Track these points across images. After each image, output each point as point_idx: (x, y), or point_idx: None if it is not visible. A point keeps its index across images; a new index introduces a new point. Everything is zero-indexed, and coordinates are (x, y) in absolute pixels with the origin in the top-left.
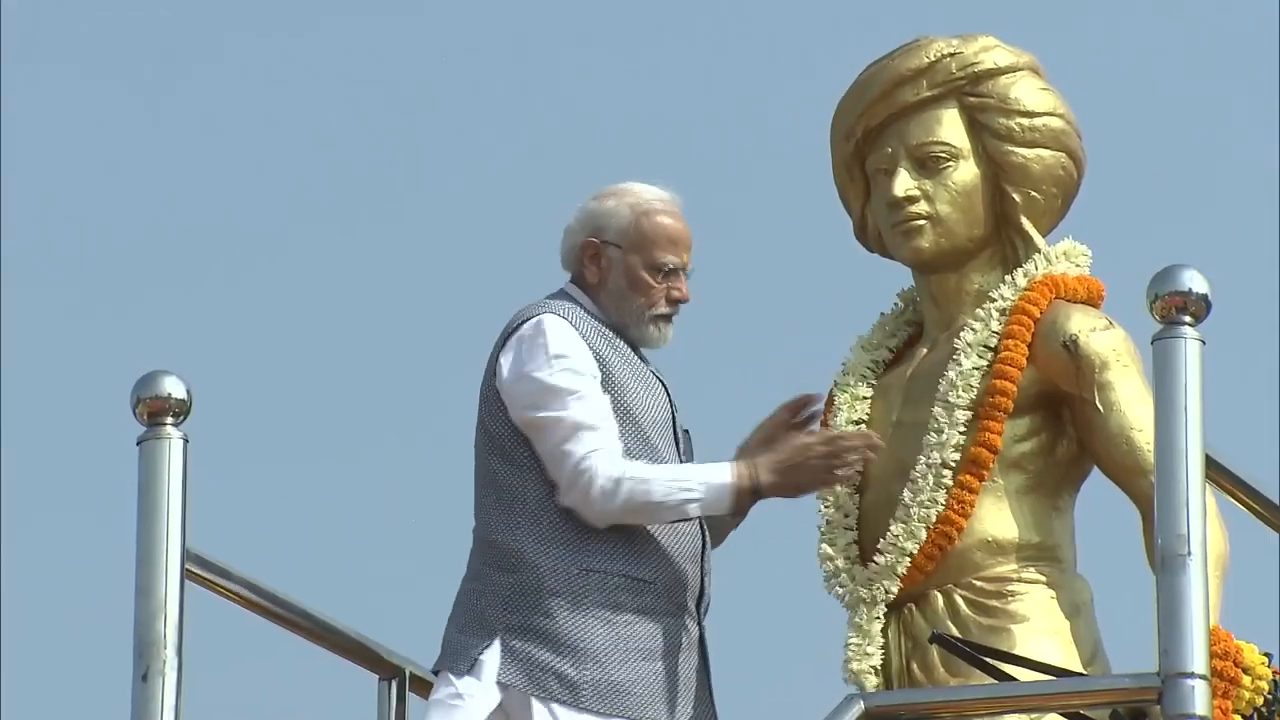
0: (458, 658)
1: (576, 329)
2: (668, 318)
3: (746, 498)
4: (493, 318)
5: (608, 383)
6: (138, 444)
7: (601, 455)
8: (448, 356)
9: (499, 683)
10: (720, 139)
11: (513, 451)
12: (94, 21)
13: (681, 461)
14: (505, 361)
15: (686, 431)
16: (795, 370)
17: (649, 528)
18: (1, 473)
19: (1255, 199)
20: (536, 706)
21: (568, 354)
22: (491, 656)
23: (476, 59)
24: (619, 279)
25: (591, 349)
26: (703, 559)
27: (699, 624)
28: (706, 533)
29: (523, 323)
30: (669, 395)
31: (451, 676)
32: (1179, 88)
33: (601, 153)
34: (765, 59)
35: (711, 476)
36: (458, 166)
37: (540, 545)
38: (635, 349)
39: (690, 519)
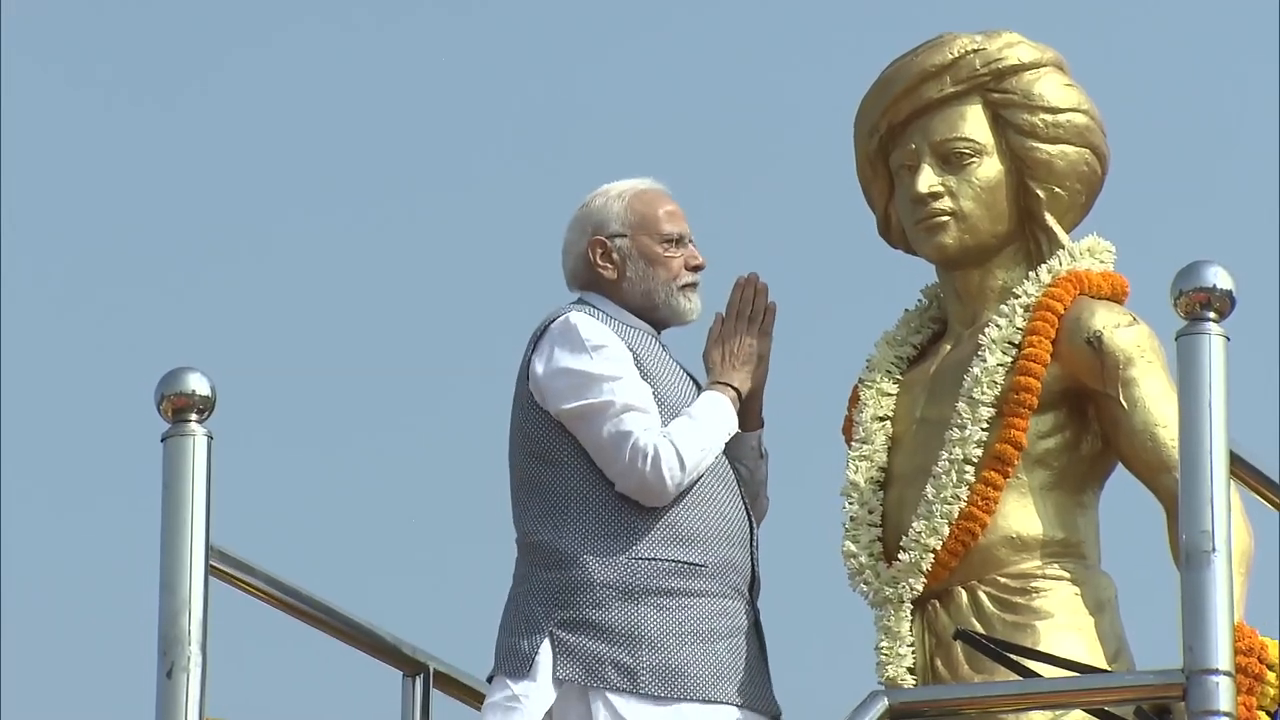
0: (511, 660)
1: (606, 323)
2: (693, 286)
3: (739, 404)
4: (510, 309)
5: (642, 374)
6: (162, 440)
7: (654, 434)
8: (471, 354)
9: (555, 679)
10: (743, 135)
11: (552, 451)
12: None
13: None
14: (539, 360)
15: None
16: (819, 366)
17: (695, 513)
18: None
19: None
20: (594, 699)
21: (604, 343)
22: (545, 655)
23: (481, 61)
24: (637, 262)
25: (624, 341)
26: (751, 542)
27: (753, 606)
28: (753, 517)
29: (552, 322)
30: (698, 387)
31: (507, 680)
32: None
33: (614, 152)
34: (785, 54)
35: (716, 405)
36: (470, 164)
37: (588, 540)
38: (661, 344)
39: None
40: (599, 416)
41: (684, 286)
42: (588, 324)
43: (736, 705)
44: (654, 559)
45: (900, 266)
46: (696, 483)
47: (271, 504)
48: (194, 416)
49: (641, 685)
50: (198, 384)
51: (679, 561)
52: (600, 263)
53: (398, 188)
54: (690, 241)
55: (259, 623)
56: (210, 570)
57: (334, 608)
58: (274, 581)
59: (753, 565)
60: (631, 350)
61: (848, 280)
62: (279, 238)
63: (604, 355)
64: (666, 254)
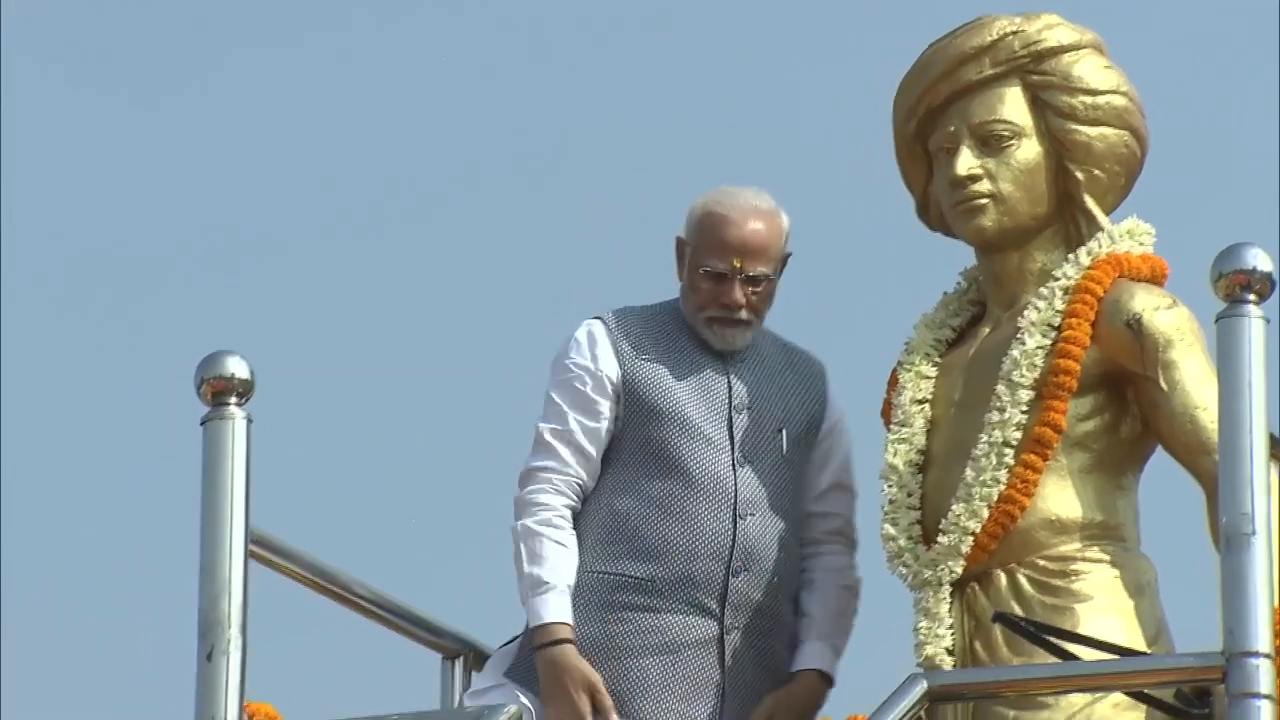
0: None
1: (618, 334)
2: (722, 321)
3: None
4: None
5: (637, 386)
6: (201, 424)
7: (539, 476)
8: (470, 354)
9: (504, 674)
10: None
11: None
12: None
13: (739, 454)
14: None
15: (780, 430)
16: (859, 349)
17: (658, 528)
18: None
19: None
20: (527, 698)
21: (572, 369)
22: (512, 649)
23: (481, 61)
24: (684, 277)
25: (630, 353)
26: (731, 559)
27: (720, 622)
28: (749, 536)
29: None
30: (734, 390)
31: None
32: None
33: (613, 152)
34: (788, 54)
35: (540, 607)
36: (469, 164)
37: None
38: (709, 353)
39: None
40: (534, 435)
41: (709, 320)
42: (577, 341)
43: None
44: (603, 572)
45: (939, 249)
46: (668, 495)
47: (310, 488)
48: (233, 400)
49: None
50: (237, 367)
51: (624, 576)
52: (677, 260)
53: (398, 187)
54: (739, 278)
55: (298, 606)
56: (249, 554)
57: (373, 591)
58: (313, 565)
59: (728, 582)
60: (638, 360)
61: (885, 263)
62: (279, 237)
63: (563, 381)
64: (699, 284)
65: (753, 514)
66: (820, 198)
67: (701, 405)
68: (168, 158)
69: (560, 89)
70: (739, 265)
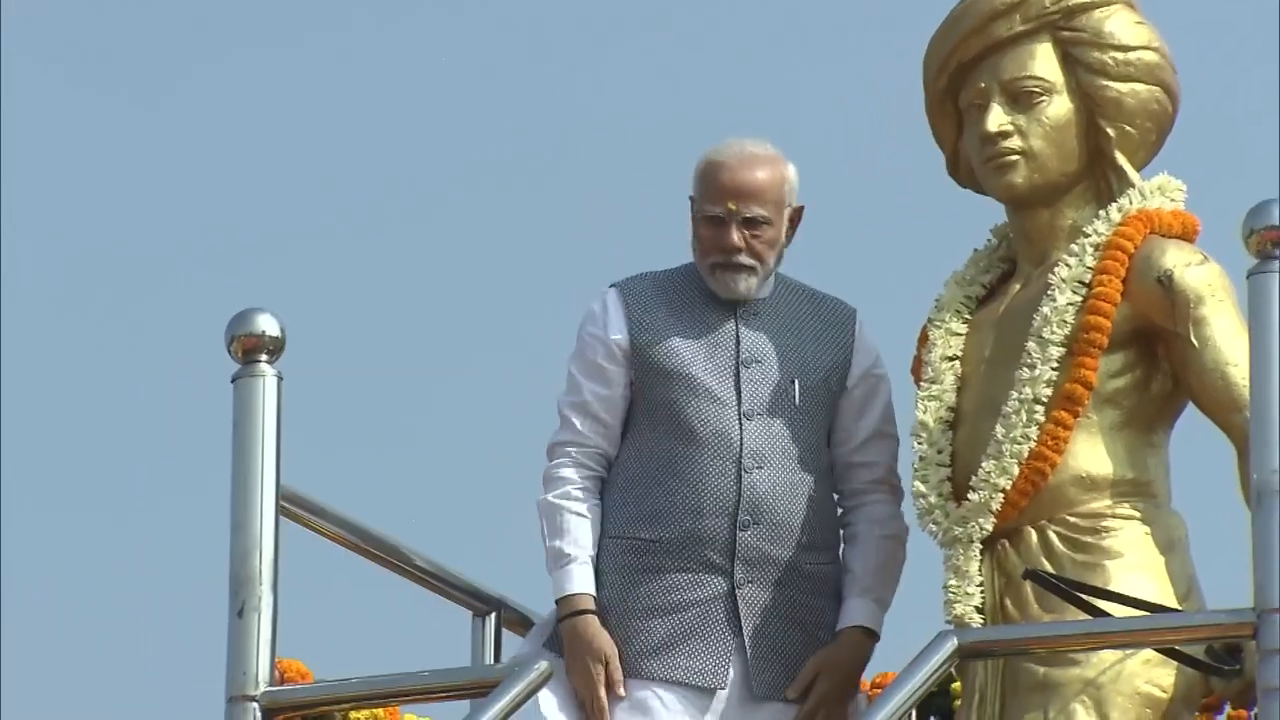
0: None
1: (631, 300)
2: (724, 266)
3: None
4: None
5: (645, 349)
6: (232, 381)
7: (560, 450)
8: (472, 354)
9: (542, 645)
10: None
11: None
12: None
13: (747, 407)
14: None
15: (793, 381)
16: (889, 307)
17: (661, 488)
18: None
19: None
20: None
21: (585, 340)
22: (551, 619)
23: (481, 61)
24: (692, 231)
25: (640, 317)
26: (738, 513)
27: (730, 578)
28: (756, 489)
29: None
30: (742, 344)
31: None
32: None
33: (614, 152)
34: (788, 54)
35: (562, 579)
36: (470, 164)
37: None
38: (727, 300)
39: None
40: (558, 408)
41: (713, 266)
42: (589, 315)
43: (670, 680)
44: (618, 537)
45: (969, 206)
46: (674, 455)
47: (341, 444)
48: (264, 357)
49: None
50: (267, 324)
51: (635, 539)
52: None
53: (398, 186)
54: (736, 220)
55: (329, 563)
56: (280, 510)
57: (404, 548)
58: (344, 522)
59: (735, 536)
60: (646, 325)
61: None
62: (279, 237)
63: (578, 353)
64: (701, 232)
65: (760, 467)
66: (822, 196)
67: (708, 362)
68: (167, 157)
69: (560, 89)
70: (734, 208)
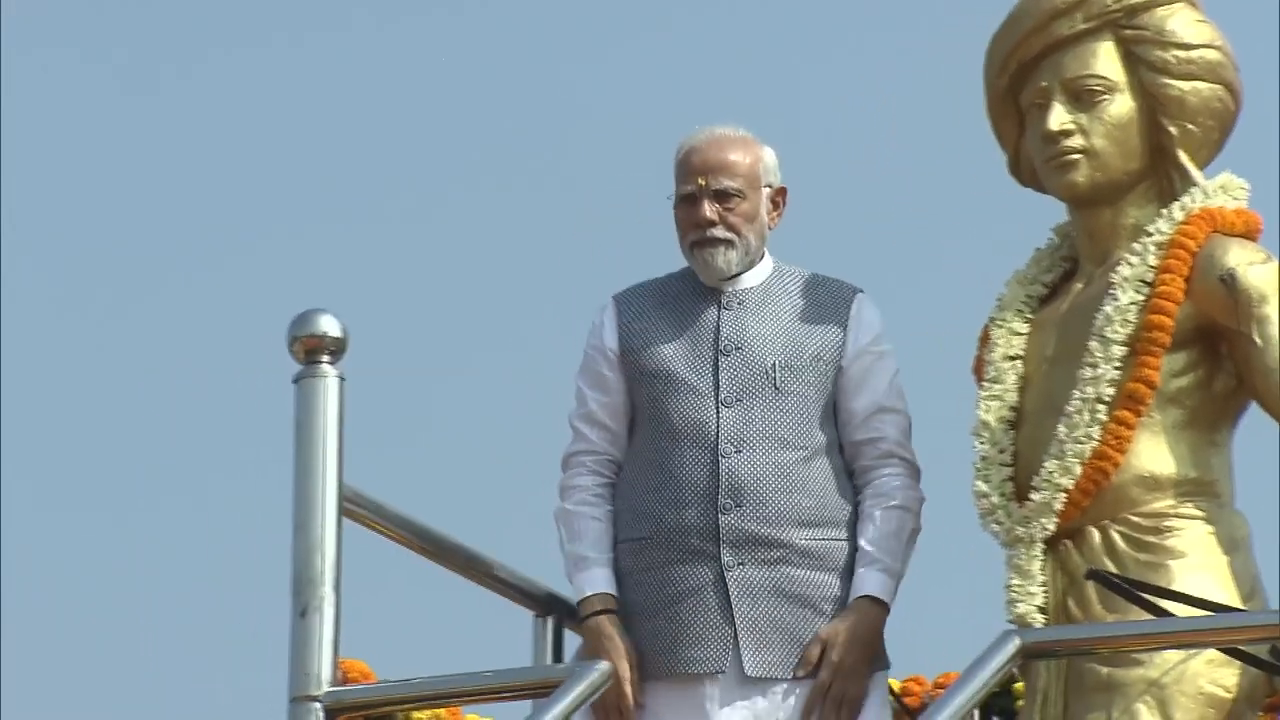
0: None
1: (625, 307)
2: (700, 243)
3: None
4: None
5: (631, 354)
6: (294, 382)
7: (573, 460)
8: (475, 356)
9: None
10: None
11: None
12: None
13: (725, 394)
14: None
15: (775, 364)
16: (951, 306)
17: (644, 484)
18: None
19: None
20: None
21: (587, 353)
22: None
23: (482, 61)
24: (675, 223)
25: (631, 323)
26: (718, 498)
27: (718, 562)
28: (735, 473)
29: None
30: (722, 333)
31: None
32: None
33: (616, 152)
34: (789, 54)
35: (582, 582)
36: (471, 164)
37: None
38: (712, 290)
39: None
40: (569, 422)
41: (692, 245)
42: (593, 324)
43: (675, 674)
44: (621, 542)
45: (1031, 205)
46: (657, 452)
47: (402, 445)
48: (326, 358)
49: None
50: (329, 326)
51: (631, 540)
52: None
53: (398, 187)
54: (711, 192)
55: (391, 563)
56: (342, 511)
57: (466, 547)
58: (405, 522)
59: (719, 521)
60: (633, 330)
61: (977, 219)
62: (279, 237)
63: (583, 364)
64: (678, 216)
65: (738, 451)
66: (974, 132)
67: (688, 355)
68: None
69: (561, 89)
70: (704, 183)
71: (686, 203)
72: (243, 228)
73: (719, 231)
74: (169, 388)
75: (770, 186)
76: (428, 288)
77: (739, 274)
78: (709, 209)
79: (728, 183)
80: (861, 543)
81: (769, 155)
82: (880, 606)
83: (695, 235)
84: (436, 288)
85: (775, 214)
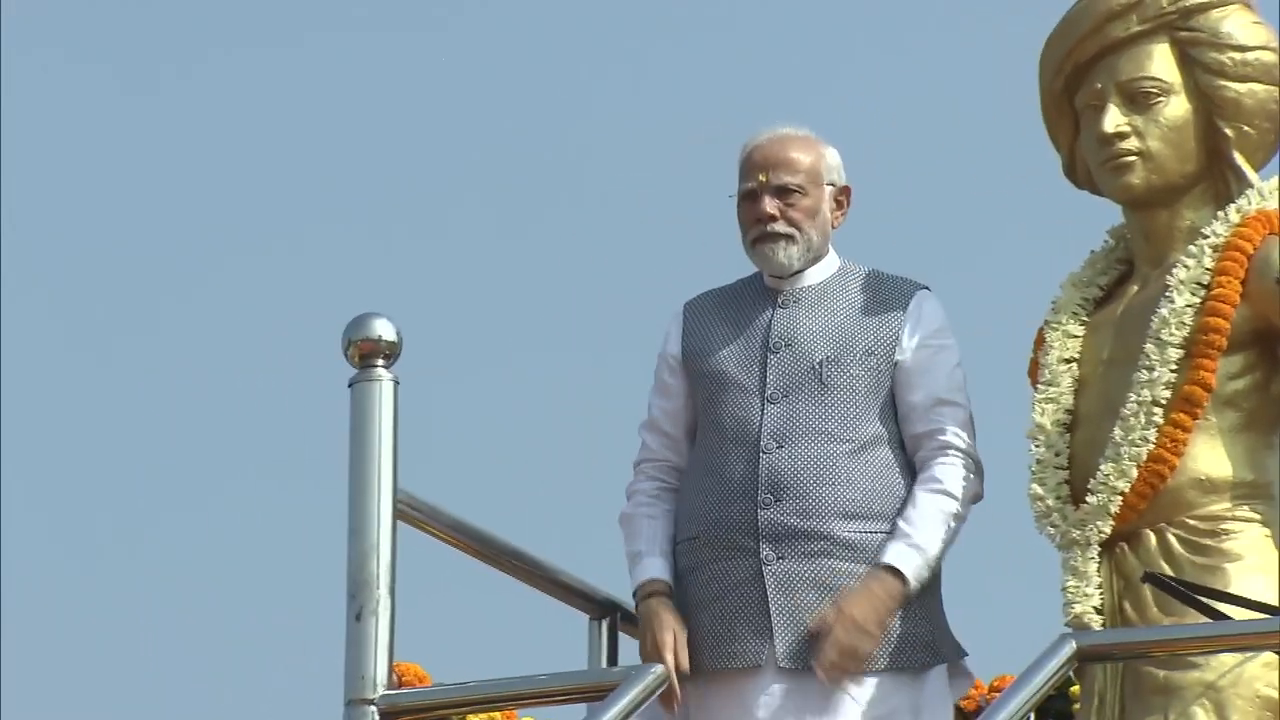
0: None
1: (690, 314)
2: (761, 238)
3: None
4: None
5: (690, 359)
6: (349, 386)
7: (637, 468)
8: (479, 357)
9: None
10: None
11: None
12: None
13: (771, 391)
14: None
15: (824, 359)
16: (1006, 308)
17: (694, 484)
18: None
19: None
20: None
21: (657, 362)
22: None
23: (483, 61)
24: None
25: (694, 329)
26: (758, 494)
27: (757, 557)
28: (776, 468)
29: None
30: (773, 330)
31: None
32: None
33: (619, 152)
34: (824, 29)
35: (637, 573)
36: (472, 165)
37: None
38: (772, 290)
39: None
40: (638, 432)
41: (754, 242)
42: (662, 336)
43: (717, 669)
44: (678, 542)
45: (1086, 207)
46: (707, 451)
47: (457, 449)
48: (380, 362)
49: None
50: (384, 329)
51: (683, 540)
52: None
53: (398, 187)
54: (772, 188)
55: (446, 567)
56: (397, 514)
57: (521, 551)
58: (460, 526)
59: (758, 515)
60: (696, 333)
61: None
62: (282, 236)
63: (654, 376)
64: (740, 213)
65: (780, 446)
66: (1029, 134)
67: (740, 355)
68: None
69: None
70: (765, 179)
71: (748, 199)
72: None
73: (779, 226)
74: (221, 392)
75: (833, 185)
76: (483, 290)
77: (801, 270)
78: (769, 204)
79: (788, 178)
80: (898, 521)
81: (831, 154)
82: (897, 577)
83: (756, 231)
84: (492, 290)
85: (839, 213)
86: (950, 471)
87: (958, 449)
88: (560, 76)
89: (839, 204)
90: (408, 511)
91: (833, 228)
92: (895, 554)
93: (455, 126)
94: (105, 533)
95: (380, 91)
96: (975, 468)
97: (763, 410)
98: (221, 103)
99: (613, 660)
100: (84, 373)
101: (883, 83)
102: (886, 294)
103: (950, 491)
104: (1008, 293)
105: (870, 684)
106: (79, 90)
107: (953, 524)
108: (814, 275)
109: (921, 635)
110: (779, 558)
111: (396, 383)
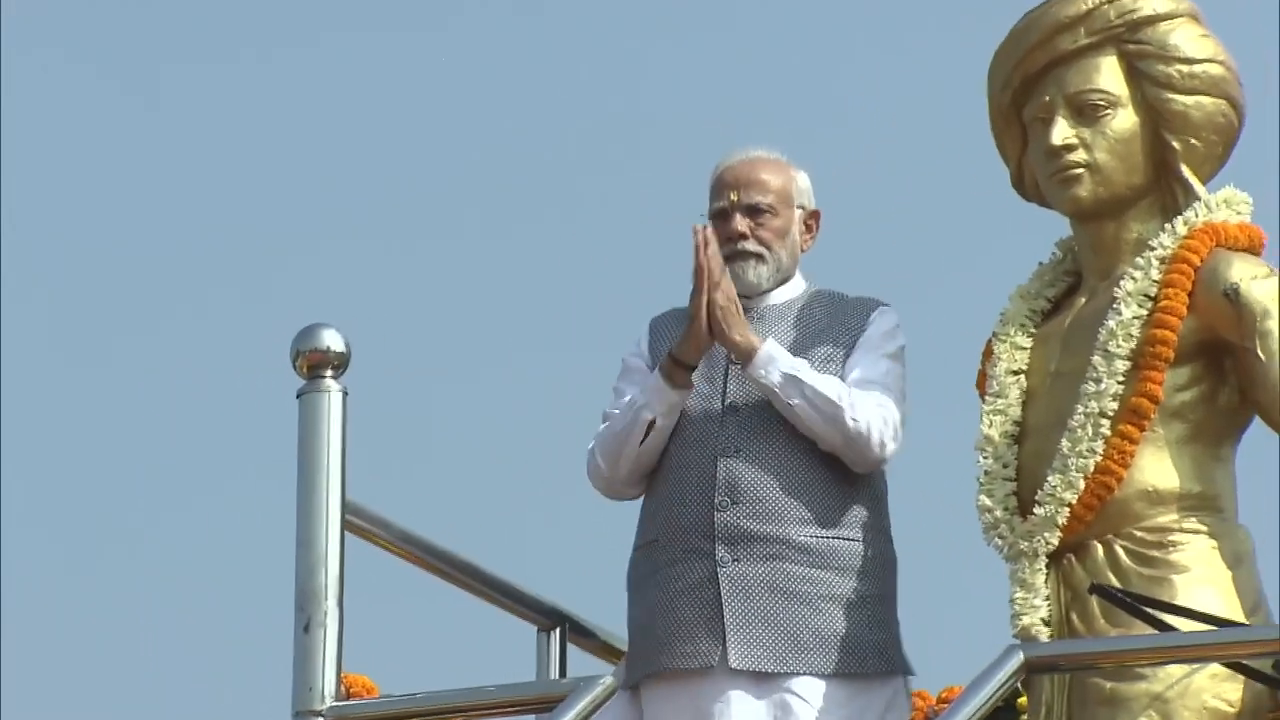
0: None
1: (655, 330)
2: (734, 256)
3: (678, 372)
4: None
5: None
6: (298, 396)
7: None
8: (484, 360)
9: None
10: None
11: None
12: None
13: (730, 400)
14: None
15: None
16: (953, 320)
17: (657, 492)
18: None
19: None
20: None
21: (622, 361)
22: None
23: (484, 62)
24: None
25: (660, 342)
26: (715, 496)
27: (712, 559)
28: (734, 471)
29: None
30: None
31: None
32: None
33: (625, 154)
34: (821, 29)
35: (646, 381)
36: (473, 166)
37: None
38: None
39: (658, 428)
40: (602, 418)
41: (726, 259)
42: (634, 342)
43: (670, 669)
44: (637, 548)
45: (1034, 220)
46: (665, 457)
47: (405, 460)
48: (329, 372)
49: (620, 678)
50: (332, 340)
51: (640, 547)
52: None
53: (398, 188)
54: (736, 208)
55: (394, 577)
56: (345, 525)
57: (469, 562)
58: (408, 537)
59: (714, 517)
60: (652, 350)
61: (980, 234)
62: (281, 251)
63: (619, 374)
64: (716, 232)
65: (739, 450)
66: (976, 146)
67: (704, 367)
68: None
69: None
70: (736, 198)
71: (719, 218)
72: (246, 239)
73: (749, 245)
74: (172, 401)
75: (803, 208)
76: (431, 301)
77: (769, 290)
78: (740, 223)
79: (759, 198)
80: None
81: (802, 178)
82: (750, 349)
83: (727, 249)
84: (439, 301)
85: (808, 236)
86: (863, 399)
87: (879, 400)
88: (560, 76)
89: (808, 227)
90: (356, 522)
91: (802, 250)
92: (770, 345)
93: (455, 126)
94: (53, 539)
95: (380, 91)
96: (890, 425)
97: (722, 418)
98: (221, 103)
99: (562, 672)
100: (81, 373)
101: (883, 83)
102: (849, 310)
103: (852, 404)
104: (956, 305)
105: (819, 687)
106: (79, 90)
107: (825, 408)
108: (779, 295)
109: (875, 641)
110: (734, 560)
111: (345, 393)
